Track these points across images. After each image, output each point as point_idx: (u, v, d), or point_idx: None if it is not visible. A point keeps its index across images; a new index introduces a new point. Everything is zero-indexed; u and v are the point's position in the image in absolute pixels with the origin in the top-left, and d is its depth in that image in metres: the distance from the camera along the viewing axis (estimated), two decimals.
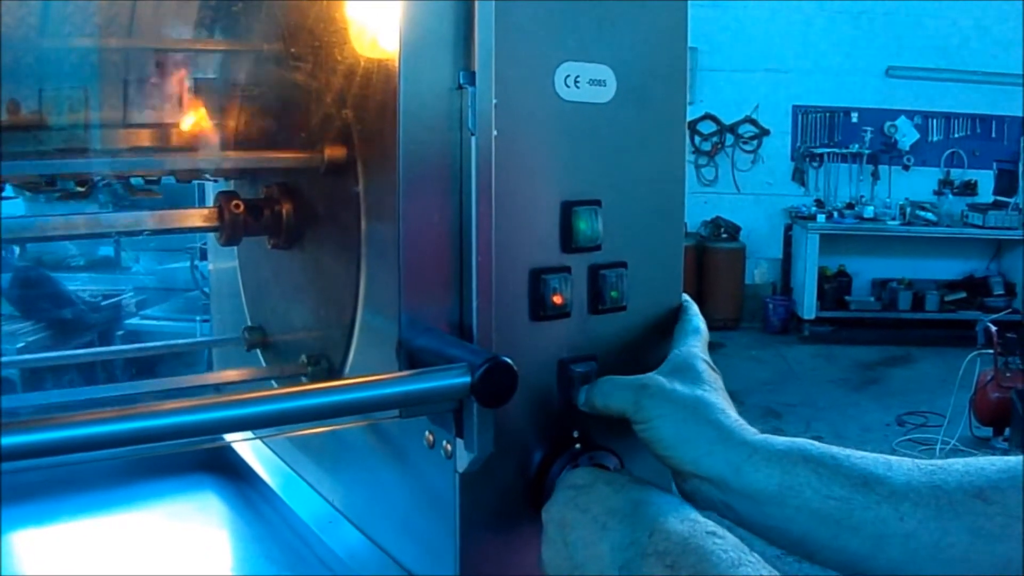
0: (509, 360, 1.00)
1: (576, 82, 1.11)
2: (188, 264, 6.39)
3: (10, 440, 0.84)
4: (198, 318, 5.94)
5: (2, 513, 1.51)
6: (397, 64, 1.04)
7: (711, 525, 0.97)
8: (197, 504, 1.69)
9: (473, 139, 1.04)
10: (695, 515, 1.00)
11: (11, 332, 5.71)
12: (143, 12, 1.66)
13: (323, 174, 1.31)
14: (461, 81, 1.05)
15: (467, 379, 0.98)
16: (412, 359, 1.07)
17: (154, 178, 1.75)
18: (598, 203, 1.14)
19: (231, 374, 1.72)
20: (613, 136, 1.16)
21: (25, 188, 1.61)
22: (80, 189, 1.48)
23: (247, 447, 1.71)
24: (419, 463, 1.18)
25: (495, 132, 1.04)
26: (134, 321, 6.45)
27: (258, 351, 1.67)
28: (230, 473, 1.73)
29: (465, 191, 1.07)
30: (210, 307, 2.15)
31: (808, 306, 11.14)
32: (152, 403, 0.92)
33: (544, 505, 1.10)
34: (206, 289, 5.81)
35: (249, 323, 1.70)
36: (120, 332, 6.33)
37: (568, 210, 1.13)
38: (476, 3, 1.04)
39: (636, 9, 1.16)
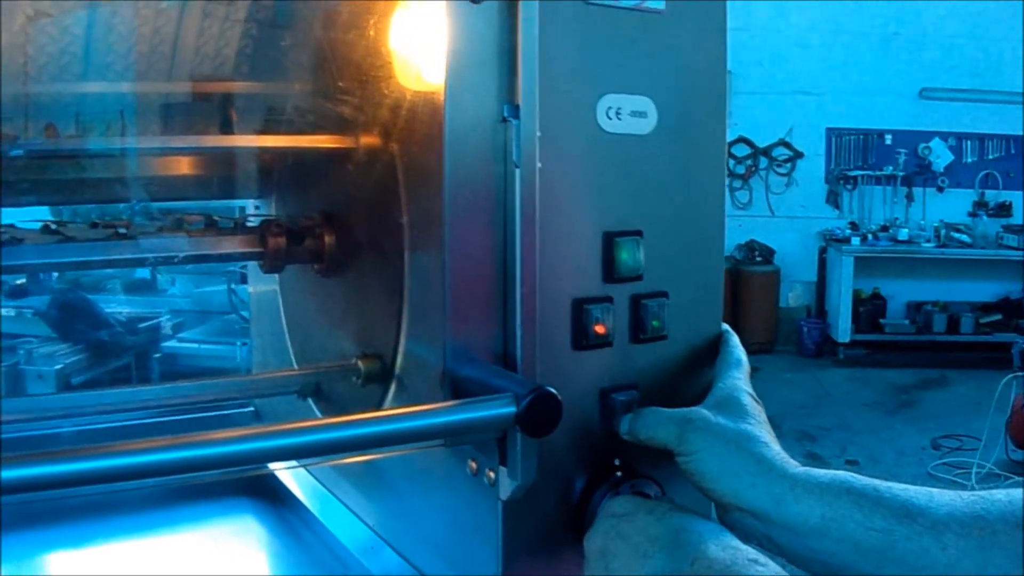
0: (554, 390, 1.01)
1: (618, 114, 1.13)
2: (224, 287, 6.41)
3: (60, 468, 0.86)
4: (238, 342, 5.95)
5: (35, 536, 1.52)
6: (443, 97, 1.05)
7: (753, 553, 0.98)
8: (236, 528, 1.69)
9: (517, 171, 1.06)
10: (736, 543, 1.00)
11: (49, 354, 5.76)
12: (186, 39, 1.69)
13: (366, 203, 1.33)
14: (505, 114, 1.06)
15: (512, 409, 0.99)
16: (456, 388, 1.08)
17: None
18: (639, 233, 1.16)
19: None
20: (654, 167, 1.17)
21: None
22: (124, 231, 1.50)
23: (288, 472, 1.71)
24: (461, 490, 1.19)
25: (539, 164, 1.06)
26: (171, 344, 6.48)
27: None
28: (270, 497, 1.74)
29: (509, 222, 1.08)
30: (250, 331, 2.16)
31: (843, 329, 11.08)
32: (199, 433, 0.94)
33: (586, 533, 1.11)
34: (243, 313, 5.84)
35: (290, 348, 1.71)
36: (157, 355, 6.37)
37: (610, 241, 1.14)
38: (520, 37, 1.05)
39: (676, 41, 1.17)
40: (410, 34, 1.19)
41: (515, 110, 1.06)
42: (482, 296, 1.09)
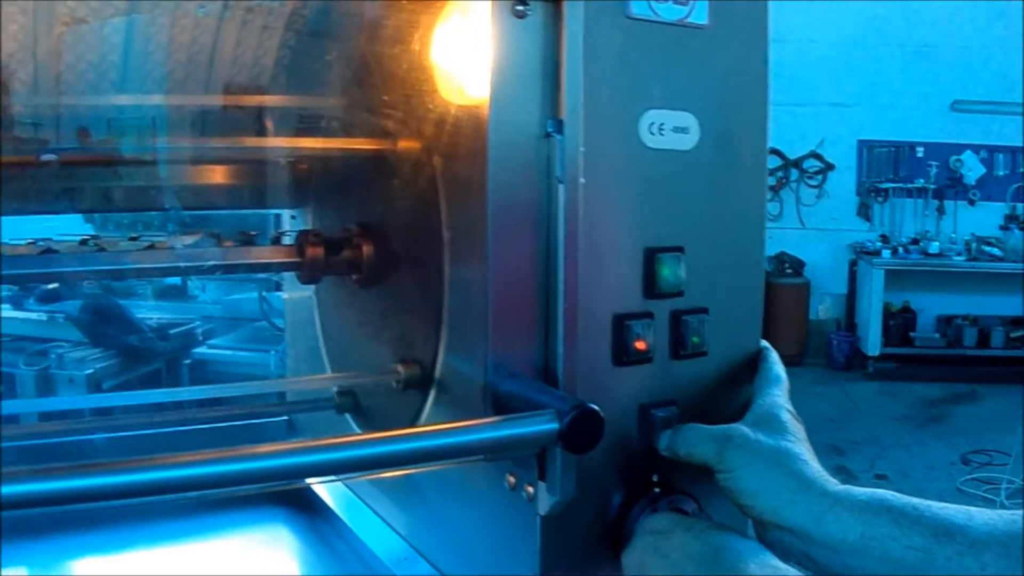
0: (596, 407, 1.00)
1: (660, 129, 1.12)
2: (256, 295, 6.42)
3: (98, 481, 0.86)
4: (270, 349, 5.95)
5: (67, 542, 1.53)
6: (487, 111, 1.06)
7: (792, 572, 0.97)
8: (268, 536, 1.70)
9: (560, 186, 1.05)
10: (775, 562, 1.00)
11: (80, 358, 5.78)
12: (224, 48, 1.69)
13: (406, 215, 1.33)
14: (549, 129, 1.06)
15: (555, 426, 0.99)
16: (497, 404, 1.08)
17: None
18: (681, 249, 1.15)
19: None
20: (696, 182, 1.17)
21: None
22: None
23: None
24: (498, 504, 1.18)
25: (582, 180, 1.06)
26: (201, 350, 6.49)
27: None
28: (302, 506, 1.74)
29: (552, 237, 1.08)
30: (281, 338, 2.17)
31: (873, 342, 11.03)
32: (240, 448, 0.94)
33: (623, 549, 1.11)
34: (275, 320, 5.86)
35: (325, 357, 1.72)
36: (187, 361, 6.38)
37: (651, 256, 1.13)
38: (564, 51, 1.05)
39: (719, 56, 1.17)
40: (453, 47, 1.19)
41: (559, 125, 1.05)
42: (524, 311, 1.09)
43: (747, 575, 0.97)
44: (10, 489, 0.82)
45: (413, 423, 1.34)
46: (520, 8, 1.04)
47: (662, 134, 1.13)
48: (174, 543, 1.64)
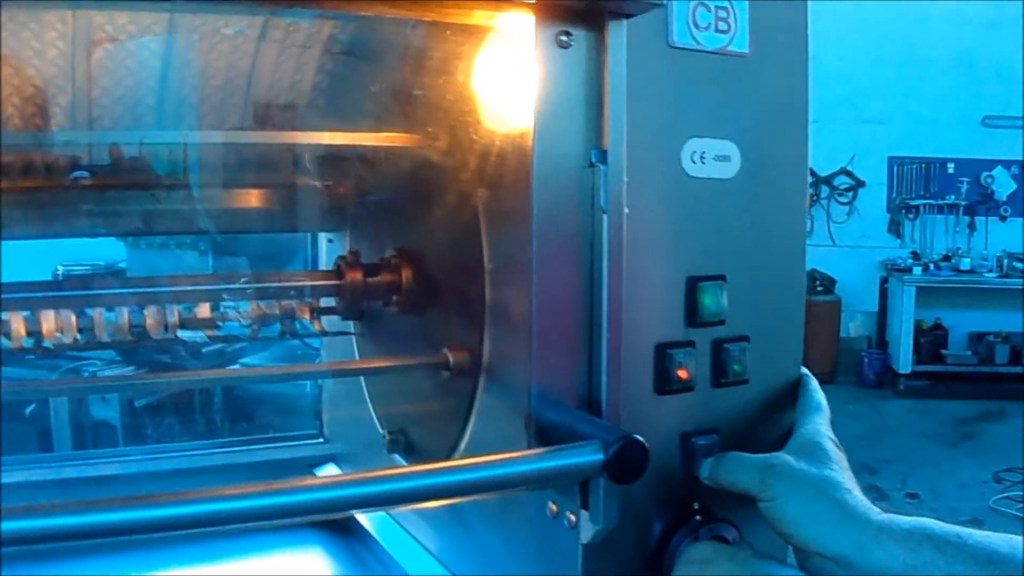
0: (641, 438, 1.01)
1: (702, 158, 1.13)
2: None
3: (143, 514, 0.87)
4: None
5: (101, 563, 1.53)
6: (531, 141, 1.06)
7: None
8: (305, 560, 1.70)
9: (605, 216, 1.06)
10: None
11: (113, 377, 5.80)
12: (261, 74, 1.70)
13: (447, 245, 1.33)
14: (593, 159, 1.07)
15: (600, 456, 0.99)
16: (541, 433, 1.08)
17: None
18: (723, 278, 1.15)
19: None
20: (737, 211, 1.17)
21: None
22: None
23: None
24: (540, 531, 1.18)
25: (626, 210, 1.06)
26: (234, 368, 6.50)
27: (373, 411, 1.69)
28: (340, 530, 1.74)
29: (596, 266, 1.08)
30: (315, 358, 2.18)
31: (904, 360, 10.98)
32: (285, 481, 0.95)
33: None
34: (309, 341, 5.85)
35: (364, 384, 1.72)
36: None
37: (693, 285, 1.14)
38: (607, 81, 1.05)
39: (760, 84, 1.17)
40: (497, 77, 1.19)
41: (603, 155, 1.06)
42: (567, 340, 1.09)
43: None
44: (52, 522, 0.83)
45: (451, 453, 1.35)
46: (564, 39, 1.04)
47: (704, 163, 1.13)
48: (211, 563, 1.64)
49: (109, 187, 1.62)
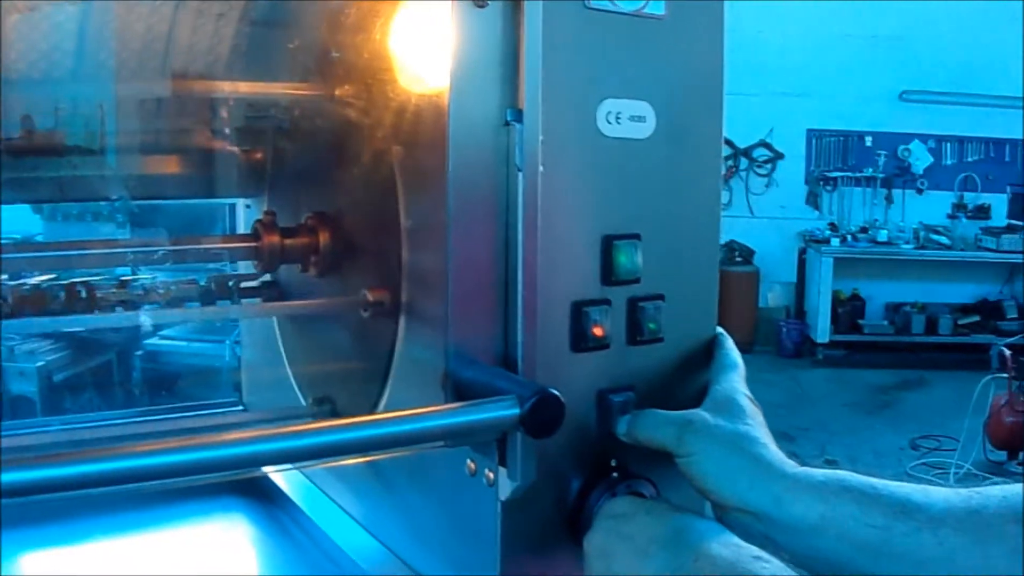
0: (556, 392, 1.02)
1: (617, 118, 1.13)
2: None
3: (48, 473, 0.86)
4: (227, 340, 5.92)
5: (24, 534, 1.51)
6: (447, 100, 1.06)
7: (755, 550, 0.99)
8: (226, 527, 1.69)
9: (520, 175, 1.06)
10: (738, 541, 1.01)
11: (31, 351, 5.73)
12: (180, 37, 1.68)
13: (363, 205, 1.33)
14: (508, 118, 1.07)
15: (516, 411, 1.00)
16: (458, 390, 1.09)
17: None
18: (638, 237, 1.16)
19: None
20: (652, 171, 1.18)
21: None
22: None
23: (278, 472, 1.71)
24: (459, 490, 1.19)
25: (541, 168, 1.07)
26: (153, 341, 6.45)
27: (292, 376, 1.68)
28: (260, 496, 1.73)
29: (511, 225, 1.09)
30: (234, 329, 2.16)
31: (822, 330, 11.11)
32: (195, 436, 0.94)
33: (584, 534, 1.12)
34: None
35: (282, 347, 1.72)
36: (139, 352, 6.34)
37: (609, 244, 1.14)
38: (523, 41, 1.06)
39: (676, 46, 1.18)
40: (413, 37, 1.19)
41: (518, 114, 1.06)
42: (483, 298, 1.10)
43: (711, 554, 0.98)
44: None
45: (372, 411, 1.35)
46: None
47: (619, 123, 1.13)
48: (131, 534, 1.63)
49: (17, 151, 1.59)
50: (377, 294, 1.34)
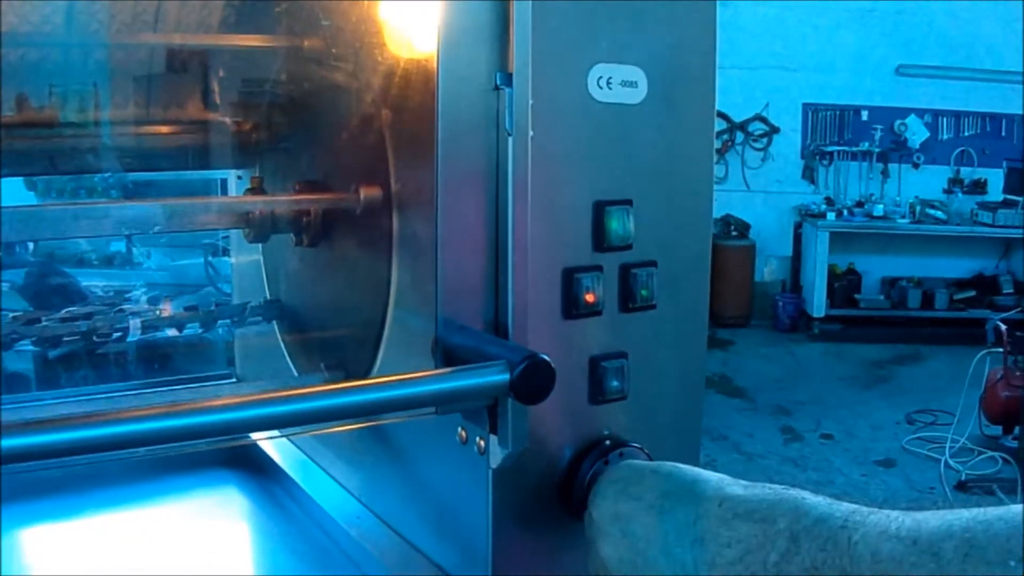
0: (547, 358, 1.01)
1: (608, 83, 1.13)
2: (201, 260, 6.37)
3: (40, 439, 0.85)
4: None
5: (19, 509, 1.51)
6: (436, 64, 1.05)
7: (772, 485, 0.98)
8: (219, 499, 1.69)
9: (510, 139, 1.06)
10: (752, 483, 1.00)
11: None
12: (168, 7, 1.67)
13: (354, 172, 1.32)
14: (498, 82, 1.06)
15: (506, 376, 1.00)
16: (448, 356, 1.08)
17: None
18: (629, 203, 1.16)
19: None
20: (644, 136, 1.17)
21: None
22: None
23: (270, 443, 1.71)
24: (450, 458, 1.19)
25: (531, 133, 1.06)
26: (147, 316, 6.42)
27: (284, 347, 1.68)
28: (252, 468, 1.73)
29: (501, 191, 1.08)
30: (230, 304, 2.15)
31: (818, 304, 11.10)
32: (184, 402, 0.94)
33: (578, 504, 1.11)
34: (220, 286, 5.81)
35: (275, 322, 1.71)
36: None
37: (600, 210, 1.14)
38: (513, 5, 1.05)
39: (667, 11, 1.17)
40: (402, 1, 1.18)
41: (508, 78, 1.05)
42: (474, 265, 1.10)
43: (735, 495, 0.98)
44: None
45: (366, 377, 1.34)
46: None
47: (610, 88, 1.13)
48: (125, 507, 1.63)
49: (10, 125, 1.58)
50: (369, 191, 1.34)
